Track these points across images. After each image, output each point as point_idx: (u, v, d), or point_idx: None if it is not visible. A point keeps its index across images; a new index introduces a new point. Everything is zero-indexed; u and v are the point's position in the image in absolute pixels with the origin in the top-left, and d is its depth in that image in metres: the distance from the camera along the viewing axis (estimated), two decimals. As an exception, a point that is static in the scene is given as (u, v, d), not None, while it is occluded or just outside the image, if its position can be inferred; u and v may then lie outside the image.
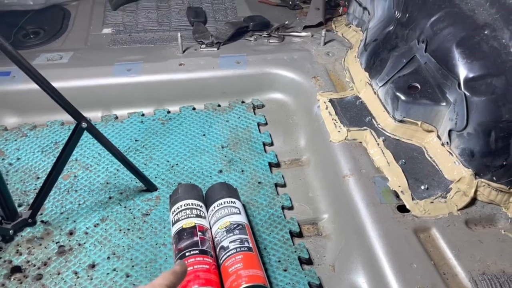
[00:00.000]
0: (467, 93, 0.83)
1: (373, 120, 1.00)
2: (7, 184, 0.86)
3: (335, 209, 0.91)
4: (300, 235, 0.88)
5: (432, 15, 0.94)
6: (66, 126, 1.10)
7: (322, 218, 0.92)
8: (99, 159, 1.02)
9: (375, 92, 1.03)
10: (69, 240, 0.86)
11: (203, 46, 1.28)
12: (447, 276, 0.72)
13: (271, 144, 1.08)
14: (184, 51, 1.26)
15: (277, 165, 1.03)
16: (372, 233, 0.79)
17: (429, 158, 0.91)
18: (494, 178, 0.82)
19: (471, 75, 0.84)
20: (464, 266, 0.73)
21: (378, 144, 0.94)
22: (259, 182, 0.97)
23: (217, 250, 0.77)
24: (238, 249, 0.74)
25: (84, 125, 0.81)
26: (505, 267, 0.73)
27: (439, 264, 0.74)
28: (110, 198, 0.94)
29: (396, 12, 1.06)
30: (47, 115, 1.11)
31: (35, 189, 0.95)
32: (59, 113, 1.07)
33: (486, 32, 0.85)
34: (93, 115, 1.14)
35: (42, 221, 0.89)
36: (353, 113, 1.03)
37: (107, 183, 0.97)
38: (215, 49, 1.28)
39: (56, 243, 0.85)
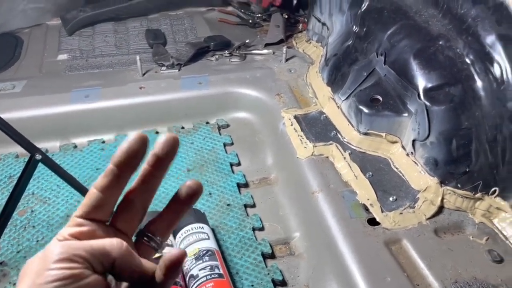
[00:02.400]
0: (427, 103, 0.85)
1: (338, 134, 1.00)
2: (-43, 224, 0.80)
3: (306, 226, 0.90)
4: (272, 256, 0.86)
5: (388, 28, 0.96)
6: (21, 158, 1.05)
7: (294, 237, 0.90)
8: (58, 191, 0.97)
9: (338, 107, 1.03)
10: (28, 281, 0.80)
11: (164, 68, 1.26)
12: (421, 287, 0.72)
13: (239, 164, 1.06)
14: (144, 74, 1.23)
15: (246, 185, 1.01)
16: (344, 248, 0.78)
17: (395, 169, 0.91)
18: (458, 185, 0.83)
19: (429, 85, 0.86)
20: (436, 276, 0.73)
21: (344, 158, 0.93)
22: (228, 204, 0.95)
23: (187, 279, 0.74)
24: (209, 277, 0.71)
25: (38, 156, 0.76)
26: (476, 274, 0.73)
27: (412, 276, 0.73)
28: (71, 231, 0.89)
29: (354, 26, 1.07)
30: (0, 148, 1.05)
31: (-11, 227, 0.89)
32: (12, 145, 1.01)
33: (441, 43, 0.88)
34: (51, 145, 1.09)
35: (-3, 262, 0.83)
36: (318, 128, 1.02)
37: (67, 216, 0.92)
38: (176, 70, 1.26)
39: (13, 284, 0.79)
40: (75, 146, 1.09)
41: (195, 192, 0.35)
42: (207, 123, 1.16)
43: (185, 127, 1.15)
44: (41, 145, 1.02)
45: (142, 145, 0.33)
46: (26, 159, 1.04)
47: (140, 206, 0.34)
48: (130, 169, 0.33)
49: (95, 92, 1.14)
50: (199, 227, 0.81)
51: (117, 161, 0.32)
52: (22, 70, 1.29)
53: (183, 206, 0.35)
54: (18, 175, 0.99)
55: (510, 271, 0.74)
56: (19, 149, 1.03)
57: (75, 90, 1.14)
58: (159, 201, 0.95)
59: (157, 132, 1.13)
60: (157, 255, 0.35)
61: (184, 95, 1.16)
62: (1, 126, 0.73)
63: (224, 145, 1.10)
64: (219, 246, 0.83)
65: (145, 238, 0.35)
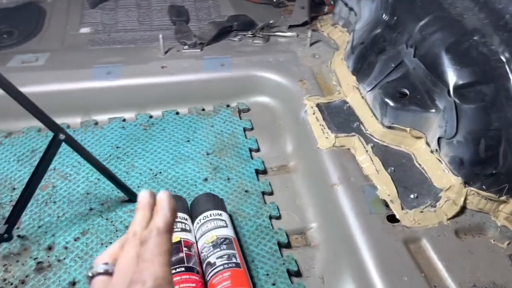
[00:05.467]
0: (457, 101, 0.82)
1: (361, 125, 0.98)
2: (-19, 198, 0.82)
3: (323, 218, 0.89)
4: (288, 245, 0.86)
5: (420, 19, 0.93)
6: (43, 133, 1.05)
7: (311, 227, 0.90)
8: (79, 168, 0.98)
9: (362, 97, 1.01)
10: (48, 256, 0.82)
11: (186, 47, 1.24)
12: (438, 289, 0.71)
13: (258, 150, 1.06)
14: (166, 52, 1.22)
15: (264, 172, 1.01)
16: (362, 244, 0.77)
17: (418, 166, 0.90)
18: (483, 186, 0.81)
19: (460, 82, 0.83)
20: (454, 278, 0.72)
21: (366, 151, 0.92)
22: (246, 191, 0.94)
23: (204, 265, 0.74)
24: (226, 266, 0.72)
25: (61, 136, 0.77)
26: (496, 278, 0.72)
27: (429, 276, 0.73)
28: (90, 209, 0.90)
29: (384, 14, 1.04)
30: (23, 122, 1.06)
31: (11, 201, 0.91)
32: (35, 119, 1.03)
33: (475, 38, 0.84)
34: (72, 120, 1.09)
35: (18, 236, 0.85)
36: (340, 118, 1.01)
37: (88, 193, 0.93)
38: (198, 50, 1.24)
39: (34, 259, 0.81)
40: (96, 123, 1.09)
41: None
42: (228, 106, 1.15)
43: (205, 109, 1.14)
44: (62, 120, 1.04)
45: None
46: (49, 134, 1.05)
47: None
48: None
49: (117, 69, 1.13)
50: (218, 213, 0.81)
51: None
52: (45, 42, 1.28)
53: None
54: (41, 149, 1.01)
55: (530, 278, 0.73)
56: (41, 123, 1.05)
57: (97, 67, 1.14)
58: (177, 184, 0.96)
59: (177, 113, 1.13)
60: None
61: (206, 76, 1.15)
62: (26, 105, 0.73)
63: (244, 129, 1.09)
64: (236, 233, 0.84)
65: None
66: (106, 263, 0.39)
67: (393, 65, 0.96)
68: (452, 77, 0.84)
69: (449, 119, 0.83)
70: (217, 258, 0.73)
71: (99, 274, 0.39)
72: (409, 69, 0.94)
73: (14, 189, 0.93)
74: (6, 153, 1.01)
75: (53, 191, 0.93)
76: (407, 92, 0.91)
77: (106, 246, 0.83)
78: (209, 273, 0.72)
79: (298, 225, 0.90)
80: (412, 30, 0.94)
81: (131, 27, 1.37)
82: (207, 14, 1.44)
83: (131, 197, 0.91)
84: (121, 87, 1.11)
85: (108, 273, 0.39)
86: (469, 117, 0.81)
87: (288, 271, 0.80)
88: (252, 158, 1.03)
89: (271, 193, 0.96)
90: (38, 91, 1.04)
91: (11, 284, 0.78)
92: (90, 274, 0.39)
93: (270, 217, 0.90)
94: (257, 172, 0.99)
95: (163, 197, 0.41)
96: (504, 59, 0.80)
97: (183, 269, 0.71)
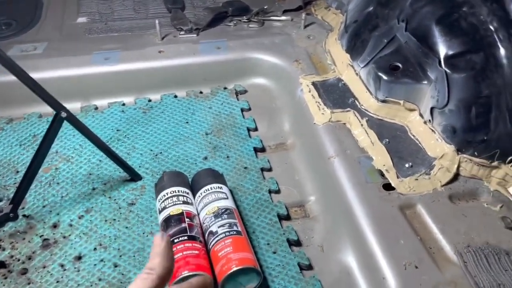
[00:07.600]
0: (448, 70, 0.84)
1: (356, 101, 1.00)
2: (-14, 178, 0.84)
3: (321, 191, 0.92)
4: (288, 218, 0.88)
5: (411, -6, 0.95)
6: (44, 118, 1.07)
7: (309, 200, 0.92)
8: (81, 150, 1.00)
9: (357, 74, 1.03)
10: (54, 233, 0.84)
11: (182, 32, 1.26)
12: (434, 250, 0.73)
13: (256, 129, 1.08)
14: (163, 38, 1.24)
15: (262, 149, 1.03)
16: (359, 212, 0.79)
17: (412, 137, 0.92)
18: (475, 153, 0.84)
19: (451, 52, 0.85)
20: (449, 240, 0.74)
21: (361, 125, 0.94)
22: (245, 167, 0.97)
23: (206, 235, 0.76)
24: (227, 233, 0.74)
25: (63, 114, 0.79)
26: (489, 239, 0.74)
27: (425, 239, 0.75)
28: (93, 189, 0.92)
29: (375, -8, 1.06)
30: (23, 108, 1.08)
31: (15, 183, 0.92)
32: (35, 105, 1.05)
33: (464, 9, 0.86)
34: (72, 106, 1.10)
35: (24, 215, 0.87)
36: (336, 95, 1.03)
37: (90, 174, 0.95)
38: (195, 35, 1.26)
39: (40, 236, 0.83)
40: (96, 108, 1.11)
41: None
42: (225, 88, 1.17)
43: (203, 91, 1.16)
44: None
45: None
46: (50, 119, 1.07)
47: None
48: None
49: (115, 55, 1.15)
50: (218, 187, 0.83)
51: None
52: (43, 32, 1.30)
53: None
54: (42, 134, 1.02)
55: (523, 238, 0.75)
56: (42, 109, 1.07)
57: (95, 53, 1.16)
58: (178, 163, 0.98)
59: (175, 96, 1.15)
60: None
61: (202, 59, 1.16)
62: (28, 83, 0.74)
63: (242, 110, 1.11)
64: (237, 206, 0.86)
65: None
66: None
67: (385, 40, 0.98)
68: (442, 48, 0.86)
69: (441, 88, 0.85)
70: (218, 227, 0.75)
71: None
72: (401, 44, 0.96)
73: (17, 172, 0.95)
74: (8, 138, 1.02)
75: (56, 173, 0.95)
76: (400, 65, 0.93)
77: (110, 223, 0.85)
78: (211, 241, 0.74)
79: (297, 198, 0.93)
80: (403, 5, 0.96)
81: (127, 16, 1.38)
82: (202, 1, 1.46)
83: (133, 176, 0.93)
84: (119, 72, 1.13)
85: None
86: (460, 86, 0.83)
87: (288, 240, 0.83)
88: (250, 137, 1.05)
89: (270, 169, 0.98)
90: (37, 77, 1.02)
91: (18, 260, 0.80)
92: None
93: (270, 191, 0.92)
94: (256, 150, 1.02)
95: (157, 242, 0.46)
96: (492, 28, 0.82)
97: (186, 237, 0.73)
